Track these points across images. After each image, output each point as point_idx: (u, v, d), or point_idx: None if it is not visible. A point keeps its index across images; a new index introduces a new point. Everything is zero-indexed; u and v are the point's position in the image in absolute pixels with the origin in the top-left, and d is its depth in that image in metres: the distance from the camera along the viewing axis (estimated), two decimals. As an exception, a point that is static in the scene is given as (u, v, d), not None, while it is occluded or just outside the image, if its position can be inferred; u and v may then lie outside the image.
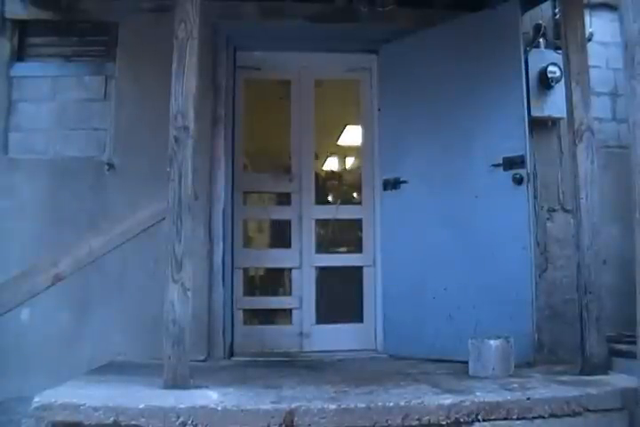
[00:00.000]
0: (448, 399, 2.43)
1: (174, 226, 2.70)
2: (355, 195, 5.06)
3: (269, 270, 4.70)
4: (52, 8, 3.89)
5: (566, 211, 3.94)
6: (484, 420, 2.40)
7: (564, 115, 3.32)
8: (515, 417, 2.42)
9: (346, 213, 4.51)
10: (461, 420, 2.38)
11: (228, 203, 4.00)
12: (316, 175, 4.69)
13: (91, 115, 3.90)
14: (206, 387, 2.66)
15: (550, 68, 3.86)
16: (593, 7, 4.10)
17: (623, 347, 3.20)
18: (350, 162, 6.58)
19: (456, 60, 3.77)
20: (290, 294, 4.37)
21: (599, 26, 4.15)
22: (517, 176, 3.48)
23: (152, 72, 3.64)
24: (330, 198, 5.73)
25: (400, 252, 3.93)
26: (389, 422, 2.34)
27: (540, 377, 2.94)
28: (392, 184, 4.00)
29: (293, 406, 2.33)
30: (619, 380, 2.80)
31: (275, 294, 4.75)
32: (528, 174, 3.47)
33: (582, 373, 2.99)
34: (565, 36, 3.22)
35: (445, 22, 3.83)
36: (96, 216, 3.75)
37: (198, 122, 2.85)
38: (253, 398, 2.49)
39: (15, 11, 3.89)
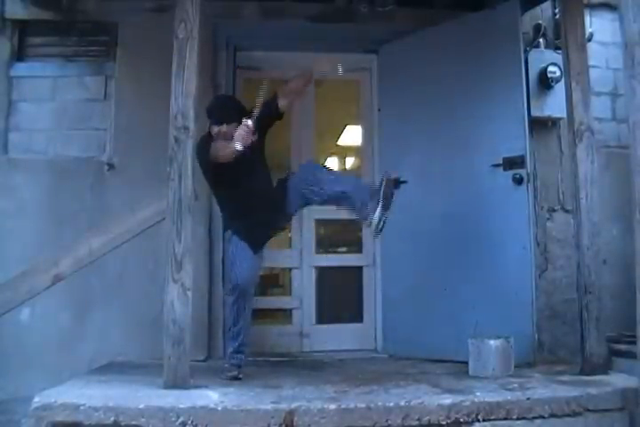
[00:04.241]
0: (448, 399, 2.43)
1: (174, 226, 2.70)
2: (355, 195, 5.05)
3: (269, 270, 4.71)
4: (52, 8, 3.89)
5: (566, 211, 3.94)
6: (484, 420, 2.40)
7: (564, 115, 3.33)
8: (515, 417, 2.43)
9: (346, 213, 4.51)
10: (461, 420, 2.39)
11: (228, 203, 3.99)
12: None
13: (91, 115, 3.90)
14: (206, 387, 2.66)
15: (550, 68, 3.87)
16: (593, 7, 4.10)
17: (623, 347, 3.20)
18: (350, 162, 6.59)
19: (456, 60, 3.76)
20: (290, 294, 4.36)
21: (599, 26, 4.16)
22: (517, 176, 3.48)
23: (152, 72, 3.64)
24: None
25: (400, 252, 3.93)
26: (389, 422, 2.34)
27: (540, 377, 2.94)
28: (392, 184, 4.00)
29: (293, 406, 2.34)
30: (619, 380, 2.80)
31: (275, 294, 4.75)
32: (528, 174, 3.47)
33: (582, 373, 2.99)
34: (565, 36, 3.22)
35: (445, 22, 3.82)
36: (96, 216, 3.75)
37: (198, 122, 2.85)
38: (253, 398, 2.49)
39: (15, 11, 3.89)
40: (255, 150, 3.10)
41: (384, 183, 2.97)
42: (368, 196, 2.99)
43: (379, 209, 2.97)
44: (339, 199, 3.09)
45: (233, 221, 3.24)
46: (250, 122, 2.91)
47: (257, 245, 3.14)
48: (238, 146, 2.87)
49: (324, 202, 3.15)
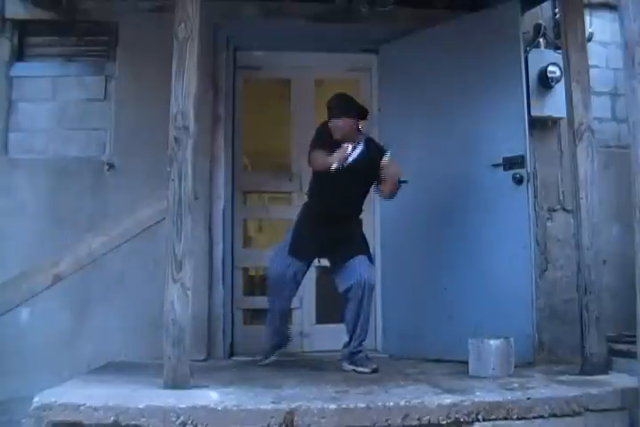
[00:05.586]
0: (448, 399, 2.43)
1: (174, 226, 2.69)
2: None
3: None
4: (52, 8, 3.89)
5: (566, 211, 3.95)
6: (484, 420, 2.40)
7: (564, 115, 3.33)
8: (515, 417, 2.42)
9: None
10: (461, 420, 2.38)
11: (228, 203, 4.00)
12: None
13: (91, 115, 3.90)
14: (206, 387, 2.66)
15: (550, 68, 3.87)
16: (593, 7, 4.11)
17: (623, 347, 3.20)
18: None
19: (456, 60, 3.76)
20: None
21: (599, 26, 4.17)
22: (517, 176, 3.48)
23: (152, 72, 3.64)
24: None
25: (400, 252, 3.93)
26: (389, 422, 2.34)
27: (540, 377, 2.94)
28: (392, 184, 4.00)
29: (293, 406, 2.33)
30: (619, 380, 2.80)
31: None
32: (528, 174, 3.47)
33: (582, 373, 2.99)
34: (565, 36, 3.22)
35: (445, 22, 3.83)
36: (96, 216, 3.75)
37: (198, 122, 2.84)
38: (253, 398, 2.49)
39: (15, 11, 3.89)
40: (359, 180, 3.32)
41: (368, 368, 3.21)
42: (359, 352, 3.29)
43: (352, 366, 3.27)
44: (349, 319, 3.30)
45: (309, 209, 3.45)
46: (350, 147, 3.20)
47: (303, 251, 3.31)
48: (335, 163, 3.13)
49: (346, 295, 3.29)
